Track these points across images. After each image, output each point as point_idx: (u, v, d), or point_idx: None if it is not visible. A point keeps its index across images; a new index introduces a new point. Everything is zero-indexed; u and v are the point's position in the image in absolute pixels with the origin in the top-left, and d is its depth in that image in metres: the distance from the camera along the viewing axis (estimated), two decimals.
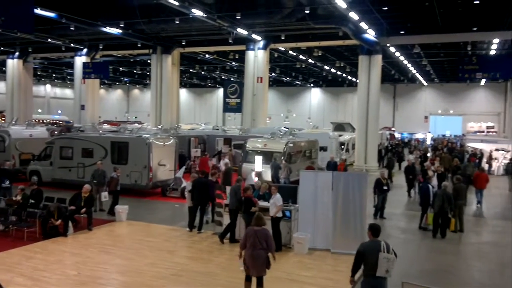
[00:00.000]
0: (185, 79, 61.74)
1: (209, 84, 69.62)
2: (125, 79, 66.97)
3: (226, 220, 12.88)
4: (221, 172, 19.06)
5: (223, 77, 57.85)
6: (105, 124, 42.69)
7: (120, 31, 30.06)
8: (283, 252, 11.70)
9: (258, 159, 19.75)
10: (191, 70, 53.79)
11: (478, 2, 23.39)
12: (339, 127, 39.25)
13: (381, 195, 16.06)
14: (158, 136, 21.44)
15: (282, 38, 31.56)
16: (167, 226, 14.44)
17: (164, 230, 14.04)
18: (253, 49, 33.42)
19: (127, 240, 12.91)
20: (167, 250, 11.88)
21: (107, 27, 29.26)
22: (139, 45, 35.99)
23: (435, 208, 14.09)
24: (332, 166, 21.65)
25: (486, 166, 31.14)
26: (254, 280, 8.56)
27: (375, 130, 32.49)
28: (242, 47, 34.04)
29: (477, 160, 30.04)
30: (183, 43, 35.73)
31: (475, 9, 24.87)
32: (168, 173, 20.27)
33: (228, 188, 13.71)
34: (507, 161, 31.60)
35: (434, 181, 16.61)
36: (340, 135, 32.76)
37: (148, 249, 11.94)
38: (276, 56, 40.59)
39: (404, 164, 32.14)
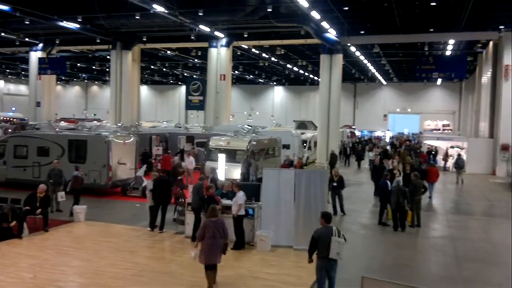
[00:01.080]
0: (146, 75, 60.67)
1: (171, 81, 68.75)
2: (83, 75, 65.11)
3: (189, 219, 12.72)
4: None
5: (185, 74, 57.26)
6: (62, 122, 41.40)
7: (77, 25, 29.13)
8: (246, 250, 11.69)
9: (221, 157, 19.65)
10: (152, 67, 52.94)
11: (434, 4, 24.15)
12: (302, 125, 39.65)
13: (334, 192, 16.34)
14: (118, 134, 20.96)
15: (245, 36, 31.55)
16: (128, 226, 14.13)
17: (125, 230, 13.73)
18: (215, 47, 33.22)
19: (85, 241, 12.53)
20: (128, 251, 11.62)
21: (64, 22, 28.29)
22: (98, 41, 35.07)
23: (392, 204, 14.51)
24: (288, 164, 21.70)
25: (442, 163, 32.42)
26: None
27: (337, 128, 33.03)
28: (205, 44, 33.78)
29: (431, 157, 31.19)
30: (144, 39, 35.07)
31: (431, 11, 25.67)
32: (129, 172, 19.85)
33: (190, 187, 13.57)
34: (462, 157, 32.92)
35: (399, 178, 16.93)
36: (302, 133, 33.10)
37: (108, 249, 11.64)
38: (239, 53, 40.55)
39: (364, 163, 32.93)
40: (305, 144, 32.12)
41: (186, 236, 12.62)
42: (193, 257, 8.97)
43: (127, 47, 35.64)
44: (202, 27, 28.48)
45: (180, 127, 37.05)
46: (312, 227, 11.78)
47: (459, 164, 26.76)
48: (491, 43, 32.62)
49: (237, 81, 60.84)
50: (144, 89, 70.75)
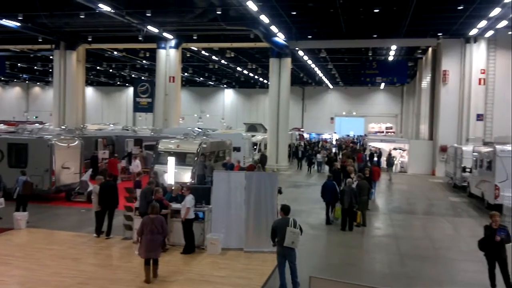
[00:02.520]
0: (91, 77, 58.77)
1: (118, 83, 66.92)
2: (25, 76, 61.96)
3: (136, 224, 12.42)
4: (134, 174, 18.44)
5: (133, 75, 55.95)
6: (1, 125, 39.27)
7: (18, 24, 27.73)
8: (196, 254, 11.62)
9: (171, 160, 19.38)
10: (98, 68, 51.36)
11: (377, 10, 25.12)
12: (252, 127, 39.89)
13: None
14: (62, 137, 20.19)
15: (195, 38, 31.38)
16: (72, 233, 13.63)
17: (69, 237, 13.24)
18: (164, 48, 32.80)
19: (27, 249, 11.96)
20: (72, 258, 11.21)
21: (3, 20, 26.86)
22: (40, 40, 33.63)
23: (345, 204, 14.95)
24: (228, 168, 21.76)
25: (385, 164, 33.69)
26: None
27: (286, 130, 33.54)
28: (153, 45, 33.27)
29: (376, 158, 32.44)
30: (89, 39, 34.01)
31: (375, 17, 26.69)
32: (73, 176, 19.16)
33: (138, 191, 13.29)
34: (404, 159, 34.43)
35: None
36: (253, 136, 33.31)
37: (51, 257, 11.17)
38: (188, 55, 40.23)
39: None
40: (255, 147, 32.35)
41: (134, 241, 12.35)
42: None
43: (71, 47, 34.43)
44: (150, 28, 28.02)
45: (127, 130, 36.18)
46: (262, 229, 11.98)
47: (390, 162, 28.32)
48: (430, 49, 34.41)
49: (186, 83, 60.30)
50: (90, 91, 68.48)
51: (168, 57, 32.84)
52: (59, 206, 17.97)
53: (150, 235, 9.39)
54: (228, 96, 69.07)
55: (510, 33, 27.91)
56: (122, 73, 55.93)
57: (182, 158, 20.09)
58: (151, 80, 39.74)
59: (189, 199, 11.60)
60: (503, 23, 25.10)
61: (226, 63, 44.40)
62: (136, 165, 21.73)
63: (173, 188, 13.12)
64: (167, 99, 33.03)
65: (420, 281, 10.60)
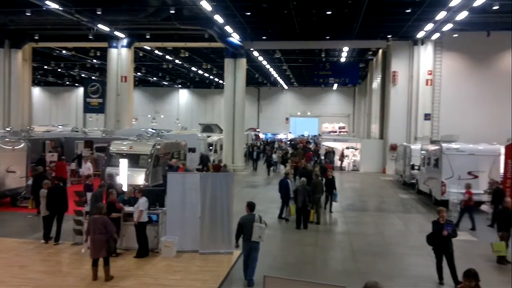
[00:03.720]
0: (38, 76, 56.38)
1: (67, 83, 64.55)
2: None
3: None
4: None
5: (83, 75, 54.18)
6: None
7: None
8: (150, 257, 11.38)
9: (123, 162, 18.89)
10: (46, 67, 49.34)
11: (330, 12, 25.63)
12: (207, 128, 39.64)
13: None
14: (7, 139, 19.23)
15: (147, 37, 30.79)
16: (19, 240, 12.98)
17: (15, 243, 12.59)
18: (116, 47, 32.01)
19: None
20: (19, 266, 10.68)
21: None
22: None
23: (299, 203, 15.13)
24: (173, 171, 21.40)
25: (338, 163, 34.49)
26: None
27: (241, 131, 33.56)
28: (104, 44, 32.40)
29: (324, 156, 33.20)
30: (36, 38, 32.60)
31: (327, 19, 27.21)
32: (19, 180, 18.28)
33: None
34: (356, 158, 35.33)
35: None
36: (208, 136, 33.09)
37: None
38: (141, 55, 39.40)
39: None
40: (211, 147, 32.16)
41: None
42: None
43: (16, 46, 32.93)
44: (100, 26, 27.24)
45: (77, 131, 34.93)
46: (218, 230, 11.91)
47: (330, 159, 29.13)
48: (380, 51, 35.50)
49: (139, 83, 59.11)
50: (37, 91, 65.74)
51: (120, 56, 32.06)
52: (3, 211, 17.09)
53: (93, 235, 9.60)
54: (183, 96, 68.33)
55: (455, 35, 29.26)
56: (72, 72, 54.03)
57: (135, 160, 19.63)
58: (102, 80, 38.68)
59: (142, 202, 11.34)
60: (449, 26, 26.26)
61: (180, 63, 43.88)
62: (88, 168, 21.03)
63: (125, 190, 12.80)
64: (119, 100, 32.24)
65: (371, 276, 10.82)
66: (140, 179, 19.02)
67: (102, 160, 21.81)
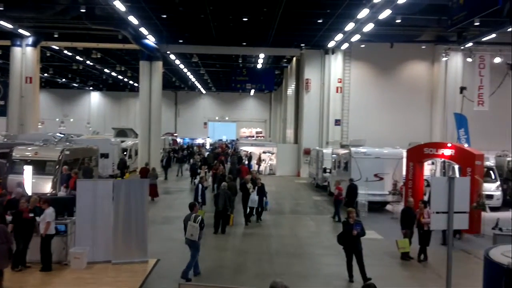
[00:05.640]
0: None
1: None
2: None
3: None
4: None
5: None
6: None
7: None
8: (59, 270, 10.70)
9: (28, 169, 17.59)
10: None
11: (246, 19, 26.04)
12: (122, 132, 38.26)
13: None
14: None
15: (56, 36, 29.07)
16: None
17: None
18: (20, 46, 29.87)
19: None
20: None
21: None
22: None
23: (219, 206, 15.13)
24: (64, 178, 20.52)
25: (256, 167, 35.03)
26: None
27: (158, 135, 32.84)
28: (7, 42, 30.04)
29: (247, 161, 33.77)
30: None
31: (244, 26, 27.62)
32: None
33: None
34: (272, 162, 36.16)
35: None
36: (122, 141, 31.91)
37: None
38: (49, 55, 36.99)
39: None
40: (125, 153, 31.04)
41: None
42: None
43: None
44: (2, 23, 25.21)
45: None
46: (132, 238, 11.53)
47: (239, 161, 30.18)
48: (294, 58, 36.74)
49: (47, 84, 55.50)
50: None
51: (25, 55, 29.92)
52: None
53: None
54: (95, 99, 65.15)
55: (362, 46, 31.14)
56: None
57: (41, 167, 18.39)
58: (3, 80, 35.69)
59: (50, 212, 10.62)
60: (357, 37, 27.87)
61: (92, 64, 41.88)
62: None
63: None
64: (23, 102, 30.04)
65: (287, 277, 11.12)
66: (47, 187, 17.86)
67: (4, 167, 20.12)
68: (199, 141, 62.75)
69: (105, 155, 25.97)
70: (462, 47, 28.87)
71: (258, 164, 35.57)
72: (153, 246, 12.28)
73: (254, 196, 16.79)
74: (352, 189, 18.23)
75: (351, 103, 32.86)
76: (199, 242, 10.65)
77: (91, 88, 62.11)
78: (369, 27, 24.62)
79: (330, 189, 24.31)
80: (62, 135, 24.35)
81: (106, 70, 46.27)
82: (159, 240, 13.61)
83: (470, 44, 27.79)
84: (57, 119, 59.26)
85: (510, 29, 22.83)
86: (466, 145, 22.85)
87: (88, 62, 40.55)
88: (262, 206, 17.43)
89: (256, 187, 17.30)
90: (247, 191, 16.94)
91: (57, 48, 34.98)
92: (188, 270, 10.33)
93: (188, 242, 10.56)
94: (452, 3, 17.86)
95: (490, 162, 22.09)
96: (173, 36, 30.78)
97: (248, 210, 17.04)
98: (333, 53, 32.70)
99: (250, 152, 36.32)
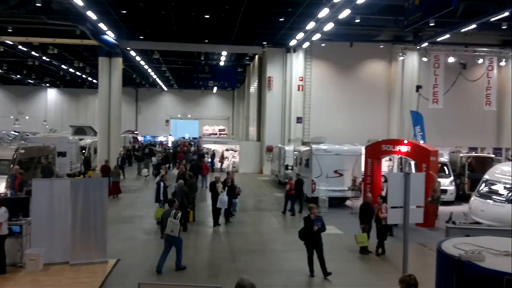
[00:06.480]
0: None
1: None
2: None
3: None
4: None
5: None
6: None
7: None
8: (13, 273, 10.34)
9: None
10: None
11: (208, 16, 25.90)
12: (80, 130, 37.34)
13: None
14: None
15: (10, 30, 27.85)
16: None
17: None
18: None
19: None
20: None
21: None
22: None
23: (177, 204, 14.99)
24: (10, 179, 19.90)
25: (219, 164, 35.02)
26: None
27: (118, 133, 32.21)
28: None
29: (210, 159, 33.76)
30: None
31: (206, 23, 27.45)
32: None
33: None
34: (235, 159, 36.22)
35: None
36: (81, 139, 31.10)
37: None
38: (2, 50, 35.47)
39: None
40: (83, 151, 30.26)
41: None
42: None
43: None
44: None
45: None
46: (91, 238, 11.29)
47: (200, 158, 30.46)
48: (257, 57, 36.87)
49: (0, 81, 53.26)
50: None
51: None
52: None
53: None
54: (52, 96, 63.01)
55: (323, 45, 31.61)
56: None
57: None
58: None
59: (2, 213, 10.22)
60: (317, 36, 28.28)
61: (48, 60, 40.48)
62: None
63: None
64: None
65: (249, 274, 11.13)
66: (1, 186, 17.18)
67: None
68: (161, 139, 61.96)
69: (62, 154, 25.24)
70: (418, 47, 29.88)
71: (221, 161, 35.53)
72: (114, 245, 12.08)
73: (223, 197, 16.31)
74: (298, 184, 19.02)
75: (312, 101, 33.33)
76: (180, 237, 11.08)
77: (47, 84, 60.05)
78: (329, 26, 25.03)
79: None
80: (16, 133, 23.53)
81: (63, 67, 44.82)
82: (119, 240, 13.40)
83: (426, 44, 28.82)
84: (12, 117, 57.06)
85: (463, 30, 23.85)
86: (421, 142, 23.69)
87: (44, 58, 39.13)
88: (230, 207, 17.05)
89: (226, 188, 16.78)
90: (216, 192, 16.52)
91: (11, 43, 33.58)
92: (179, 262, 11.01)
93: (168, 238, 10.89)
94: (408, 4, 18.41)
95: (444, 158, 23.00)
96: (133, 32, 30.22)
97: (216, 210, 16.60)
98: (294, 51, 33.03)
99: (213, 150, 36.21)
